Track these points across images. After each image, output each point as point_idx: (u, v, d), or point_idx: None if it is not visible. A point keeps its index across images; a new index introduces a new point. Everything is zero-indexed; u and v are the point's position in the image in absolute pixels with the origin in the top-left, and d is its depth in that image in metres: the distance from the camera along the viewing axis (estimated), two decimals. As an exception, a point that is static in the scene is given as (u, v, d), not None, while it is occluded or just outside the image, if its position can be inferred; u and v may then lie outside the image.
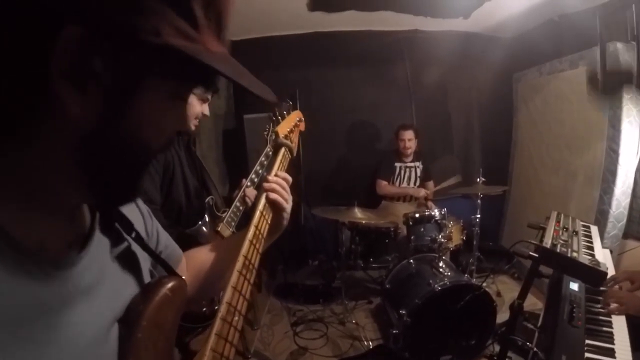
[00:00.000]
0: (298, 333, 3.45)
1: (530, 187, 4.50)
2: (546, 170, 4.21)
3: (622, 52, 3.27)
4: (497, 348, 2.89)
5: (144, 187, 1.62)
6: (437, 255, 3.23)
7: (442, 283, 2.81)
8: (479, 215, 3.60)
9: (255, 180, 2.20)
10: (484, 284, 3.93)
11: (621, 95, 3.27)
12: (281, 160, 1.12)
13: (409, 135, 4.11)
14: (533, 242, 1.74)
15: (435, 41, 4.58)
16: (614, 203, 3.33)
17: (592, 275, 1.70)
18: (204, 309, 1.81)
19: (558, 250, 1.67)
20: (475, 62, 4.85)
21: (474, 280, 3.18)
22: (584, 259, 1.73)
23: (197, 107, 1.86)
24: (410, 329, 2.77)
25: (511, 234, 4.79)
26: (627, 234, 3.46)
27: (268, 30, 4.39)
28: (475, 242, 3.64)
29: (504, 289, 3.92)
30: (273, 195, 1.01)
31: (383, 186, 4.22)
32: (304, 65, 4.56)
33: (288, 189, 1.06)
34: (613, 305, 1.84)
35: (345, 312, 3.64)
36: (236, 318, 0.73)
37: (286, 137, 1.20)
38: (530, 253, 1.68)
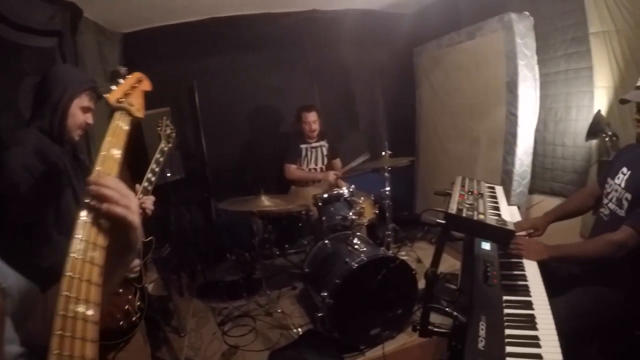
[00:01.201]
0: (226, 332, 3.33)
1: (437, 156, 4.66)
2: (451, 138, 4.37)
3: (516, 22, 3.42)
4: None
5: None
6: (351, 232, 3.22)
7: (358, 259, 2.80)
8: (388, 188, 3.70)
9: (153, 179, 2.06)
10: (403, 253, 4.06)
11: (516, 63, 3.42)
12: (115, 130, 0.97)
13: (312, 117, 4.07)
14: (439, 209, 1.73)
15: (335, 20, 4.56)
16: (517, 163, 3.52)
17: (500, 235, 1.72)
18: (121, 322, 1.76)
19: (464, 215, 1.66)
20: (375, 39, 4.89)
21: (390, 252, 3.22)
22: (491, 220, 1.74)
23: (80, 117, 1.75)
24: (334, 310, 2.75)
25: (424, 202, 4.98)
26: (532, 190, 3.72)
27: (161, 19, 4.12)
28: (387, 214, 3.70)
29: (423, 255, 4.07)
30: (104, 207, 0.75)
31: (292, 170, 4.17)
32: (201, 54, 4.35)
33: (124, 191, 0.79)
34: (514, 251, 1.99)
35: (270, 303, 3.56)
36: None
37: (120, 101, 1.08)
38: (438, 220, 1.67)
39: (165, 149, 2.24)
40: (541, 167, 3.65)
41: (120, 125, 1.00)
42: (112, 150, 0.89)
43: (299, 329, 3.21)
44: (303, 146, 4.20)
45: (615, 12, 3.01)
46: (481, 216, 1.76)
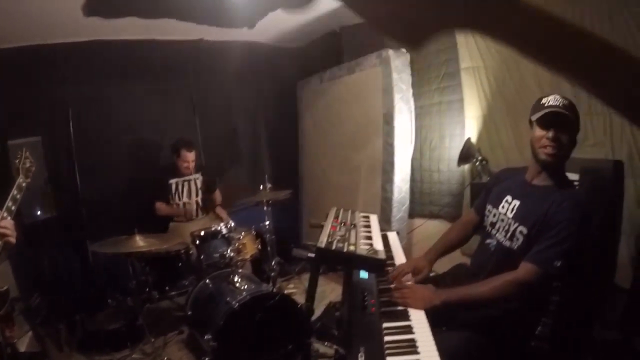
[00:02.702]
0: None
1: (320, 187, 4.74)
2: (333, 169, 4.49)
3: (394, 58, 3.65)
4: (316, 345, 2.91)
5: None
6: (232, 270, 3.13)
7: (240, 298, 2.70)
8: (268, 222, 3.65)
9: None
10: (291, 286, 4.02)
11: (393, 96, 3.63)
12: None
13: (192, 156, 3.91)
14: (310, 243, 1.73)
15: (221, 51, 4.50)
16: (396, 190, 3.70)
17: (371, 264, 1.75)
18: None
19: (334, 247, 1.67)
20: (260, 72, 4.91)
21: (276, 287, 3.15)
22: (362, 250, 1.77)
23: None
24: (220, 353, 2.61)
25: (310, 234, 5.01)
26: (413, 214, 3.92)
27: (35, 37, 3.67)
28: (269, 248, 3.65)
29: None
30: None
31: (158, 207, 3.95)
32: (78, 79, 3.93)
33: None
34: (401, 300, 1.80)
35: (157, 350, 3.30)
36: None
37: None
38: (308, 255, 1.66)
39: (24, 184, 2.05)
40: (420, 192, 3.88)
41: None
42: None
43: (188, 376, 3.00)
44: (173, 180, 3.99)
45: (484, 50, 3.34)
46: (352, 247, 1.78)
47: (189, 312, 3.07)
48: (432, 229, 3.74)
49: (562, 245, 1.66)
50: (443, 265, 2.36)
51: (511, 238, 1.84)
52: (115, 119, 4.17)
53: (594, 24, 2.62)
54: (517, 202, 1.89)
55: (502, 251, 1.88)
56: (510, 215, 1.89)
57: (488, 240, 2.00)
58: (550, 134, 1.71)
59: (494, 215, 1.98)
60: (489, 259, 1.94)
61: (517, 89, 3.16)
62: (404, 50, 3.75)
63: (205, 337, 2.65)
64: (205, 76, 4.57)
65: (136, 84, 4.24)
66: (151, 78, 4.30)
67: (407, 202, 3.80)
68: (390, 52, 3.66)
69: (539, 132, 1.75)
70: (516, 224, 1.84)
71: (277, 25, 4.20)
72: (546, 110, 1.71)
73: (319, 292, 3.33)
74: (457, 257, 2.57)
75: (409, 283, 1.98)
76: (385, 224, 3.58)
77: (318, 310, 3.03)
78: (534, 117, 1.76)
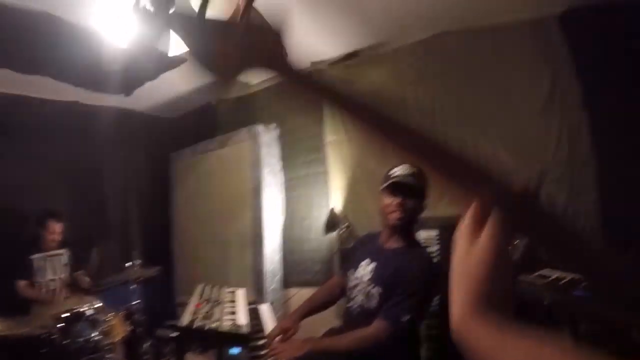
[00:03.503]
0: None
1: (192, 262, 4.62)
2: (205, 243, 4.44)
3: (262, 133, 3.90)
4: None
5: None
6: (100, 355, 2.91)
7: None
8: (137, 301, 3.47)
9: None
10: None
11: (261, 170, 3.80)
12: None
13: (59, 227, 3.69)
14: (171, 322, 1.73)
15: (95, 116, 4.33)
16: (267, 261, 3.77)
17: (235, 339, 1.78)
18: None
19: (195, 326, 1.69)
20: (134, 141, 4.83)
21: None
22: (225, 326, 1.80)
23: None
24: None
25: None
26: (287, 284, 3.97)
27: None
28: (138, 330, 3.44)
29: (192, 366, 3.85)
30: None
31: (21, 288, 3.58)
32: None
33: None
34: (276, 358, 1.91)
35: None
36: None
37: None
38: (171, 334, 1.65)
39: None
40: (292, 262, 3.99)
41: None
42: None
43: None
44: (36, 256, 3.67)
45: (347, 123, 3.64)
46: (215, 324, 1.81)
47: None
48: (307, 297, 3.81)
49: (409, 301, 1.83)
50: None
51: (370, 299, 1.98)
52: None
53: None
54: (373, 265, 2.05)
55: (363, 312, 2.01)
56: (367, 278, 2.03)
57: (350, 303, 2.13)
58: (396, 201, 1.94)
59: (354, 280, 2.11)
60: (354, 320, 2.06)
61: (377, 159, 3.47)
62: (274, 124, 4.00)
63: None
64: (77, 141, 4.28)
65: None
66: (16, 138, 3.96)
67: (280, 273, 3.87)
68: (259, 127, 3.88)
69: (386, 199, 1.98)
70: (372, 285, 1.99)
71: (154, 94, 4.21)
72: (392, 181, 1.94)
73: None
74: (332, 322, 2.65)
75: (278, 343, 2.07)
76: (259, 297, 3.58)
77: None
78: (382, 187, 1.99)
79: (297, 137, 4.05)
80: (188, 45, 0.52)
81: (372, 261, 2.07)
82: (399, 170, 1.98)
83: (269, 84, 4.14)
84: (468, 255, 0.53)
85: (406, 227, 2.02)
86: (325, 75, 3.74)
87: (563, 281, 2.03)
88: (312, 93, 0.52)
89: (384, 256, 2.03)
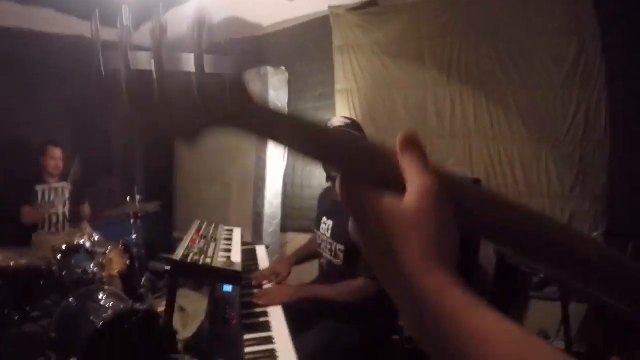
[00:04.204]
0: None
1: (193, 200, 4.66)
2: (205, 182, 4.46)
3: (272, 75, 3.81)
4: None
5: None
6: (96, 286, 2.98)
7: (105, 316, 2.58)
8: (134, 236, 3.51)
9: None
10: (164, 303, 3.87)
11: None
12: None
13: (58, 153, 3.68)
14: (165, 255, 1.75)
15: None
16: (267, 205, 3.79)
17: (228, 276, 1.81)
18: None
19: (189, 260, 1.71)
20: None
21: (139, 304, 3.02)
22: (218, 262, 1.82)
23: None
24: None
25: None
26: (285, 228, 4.03)
27: None
28: (136, 264, 3.51)
29: (186, 303, 3.93)
30: None
31: (26, 214, 3.61)
32: None
33: None
34: (262, 301, 1.96)
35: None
36: None
37: None
38: (165, 268, 1.68)
39: None
40: (291, 207, 4.02)
41: None
42: None
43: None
44: (40, 187, 3.70)
45: (358, 73, 3.59)
46: (208, 260, 1.84)
47: (53, 335, 2.81)
48: (304, 243, 3.88)
49: None
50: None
51: (335, 256, 2.03)
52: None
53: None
54: (330, 222, 2.09)
55: (331, 269, 2.08)
56: (328, 235, 2.08)
57: (321, 260, 2.21)
58: None
59: (321, 235, 2.16)
60: (325, 275, 2.14)
61: (386, 111, 3.45)
62: (282, 68, 3.91)
63: (71, 360, 2.47)
64: (82, 77, 4.22)
65: (4, 78, 3.80)
66: (22, 72, 3.91)
67: (279, 217, 3.91)
68: (269, 69, 3.79)
69: None
70: (335, 243, 2.03)
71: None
72: None
73: (195, 309, 3.30)
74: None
75: (269, 285, 2.15)
76: (257, 238, 3.65)
77: (194, 327, 3.00)
78: None
79: (307, 83, 3.98)
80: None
81: (328, 218, 2.12)
82: (335, 122, 2.04)
83: (281, 28, 4.07)
84: None
85: None
86: (342, 21, 3.63)
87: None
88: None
89: (339, 211, 2.04)
